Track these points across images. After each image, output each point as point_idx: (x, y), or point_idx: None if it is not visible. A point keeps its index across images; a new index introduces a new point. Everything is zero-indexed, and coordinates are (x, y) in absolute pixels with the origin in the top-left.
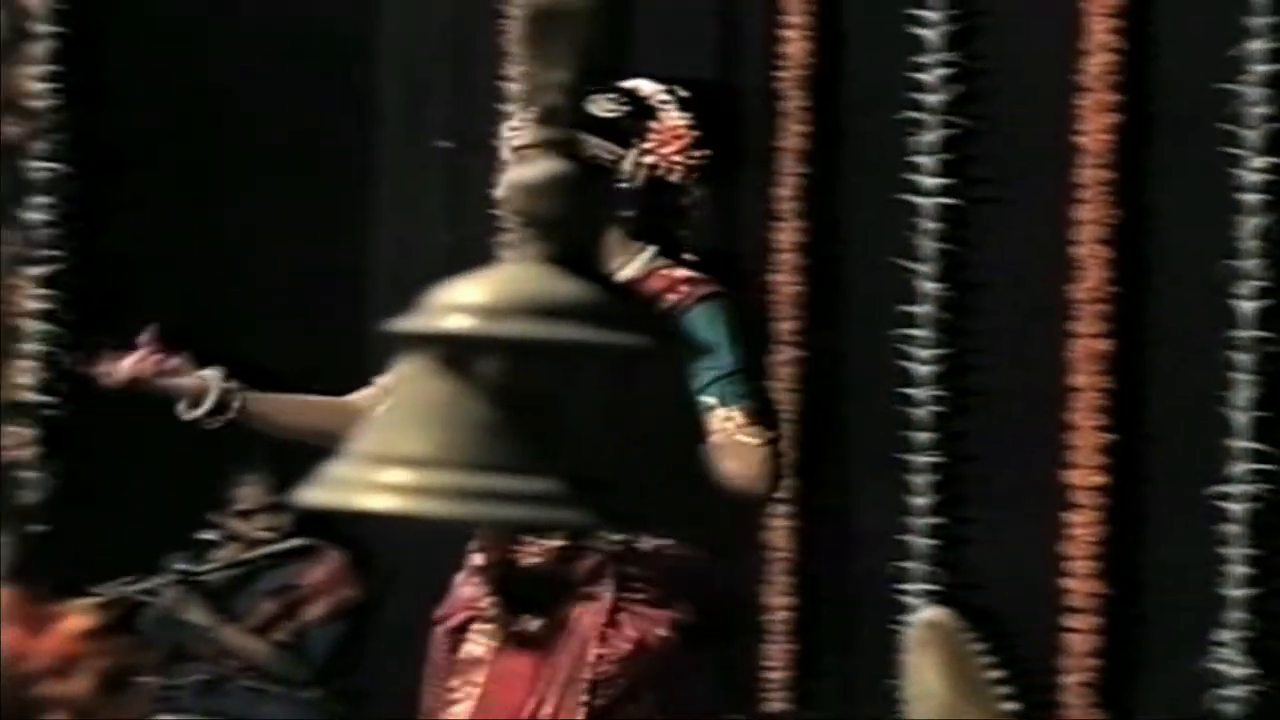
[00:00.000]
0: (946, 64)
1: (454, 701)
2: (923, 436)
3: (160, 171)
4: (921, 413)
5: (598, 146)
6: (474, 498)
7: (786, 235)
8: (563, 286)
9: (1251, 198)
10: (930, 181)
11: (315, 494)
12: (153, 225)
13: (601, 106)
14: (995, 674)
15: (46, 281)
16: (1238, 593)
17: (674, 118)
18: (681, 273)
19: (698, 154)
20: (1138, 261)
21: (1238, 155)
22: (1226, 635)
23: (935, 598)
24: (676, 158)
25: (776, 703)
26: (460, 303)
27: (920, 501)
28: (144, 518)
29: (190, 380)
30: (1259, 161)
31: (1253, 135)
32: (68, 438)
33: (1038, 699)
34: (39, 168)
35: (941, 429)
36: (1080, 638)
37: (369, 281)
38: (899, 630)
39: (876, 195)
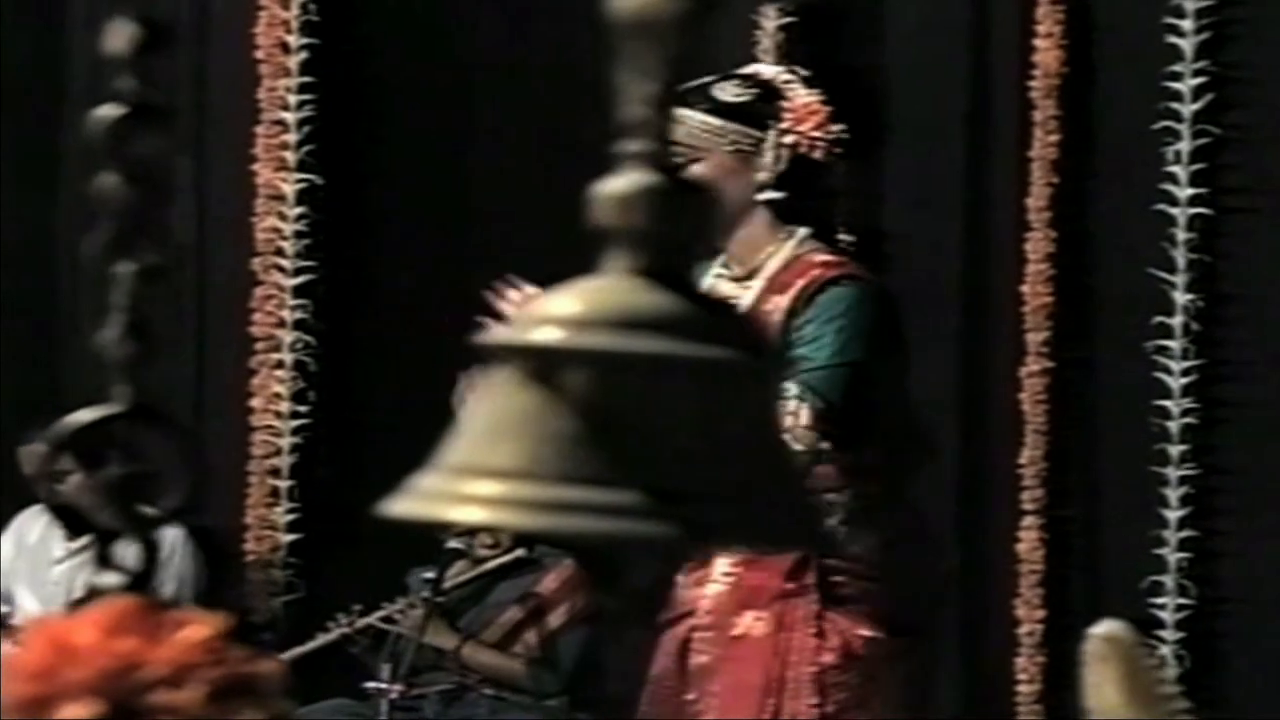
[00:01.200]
0: (1201, 72)
1: (697, 713)
2: (1175, 449)
3: (413, 181)
4: (1174, 425)
5: (736, 133)
6: (560, 510)
7: (1037, 245)
8: (653, 299)
9: None
10: (1184, 191)
11: (402, 505)
12: (405, 236)
13: (730, 92)
14: (1175, 688)
15: (299, 291)
16: None
17: (803, 95)
18: (820, 256)
19: (835, 129)
20: None
21: None
22: None
23: (1187, 611)
24: (816, 134)
25: (1027, 715)
26: (550, 315)
27: (1173, 514)
28: (402, 528)
29: None
30: None
31: None
32: (325, 446)
33: None
34: (292, 179)
35: (1194, 441)
36: None
37: None
38: (1151, 645)
39: (1129, 205)
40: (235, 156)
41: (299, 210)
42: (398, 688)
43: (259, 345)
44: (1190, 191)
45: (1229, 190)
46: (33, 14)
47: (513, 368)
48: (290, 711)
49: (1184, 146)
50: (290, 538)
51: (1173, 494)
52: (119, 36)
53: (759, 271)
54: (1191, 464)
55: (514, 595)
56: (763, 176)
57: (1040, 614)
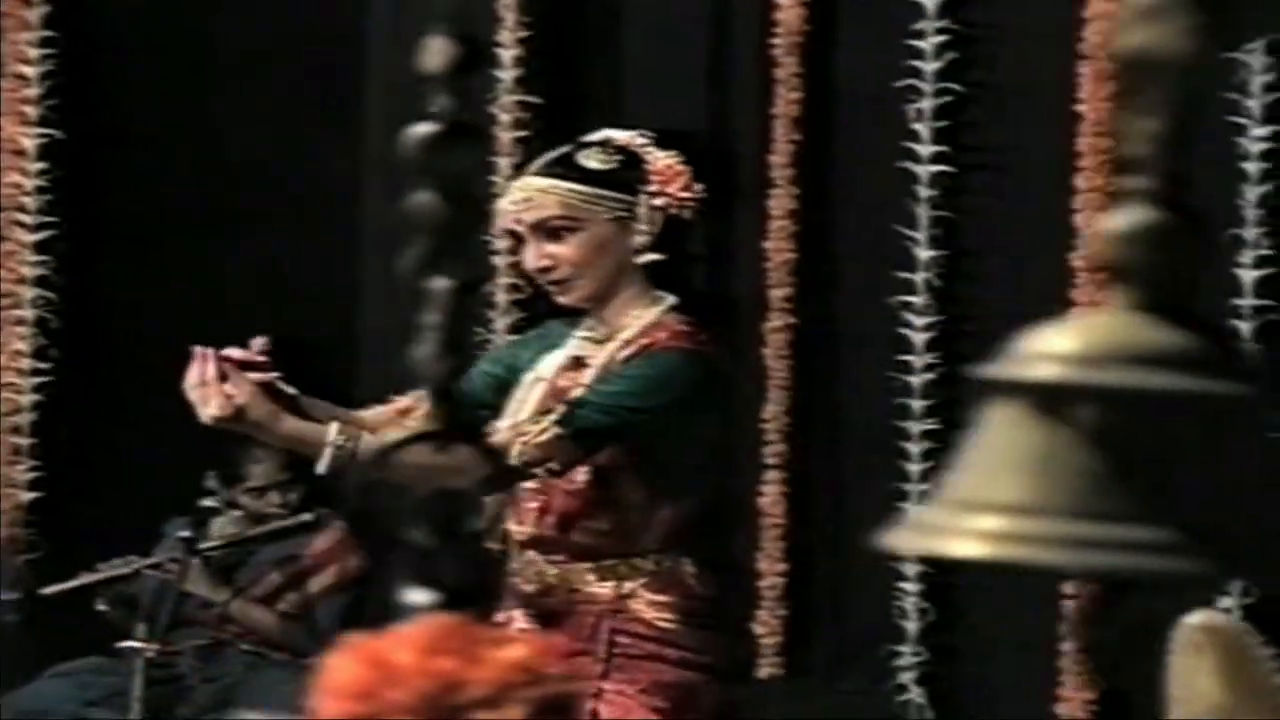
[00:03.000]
0: (943, 30)
1: None
2: (917, 404)
3: (156, 136)
4: (916, 380)
5: (612, 200)
6: (1077, 545)
7: (780, 202)
8: (1156, 335)
9: (1254, 166)
10: (926, 148)
11: (905, 539)
12: (147, 193)
13: (596, 159)
14: None
15: (39, 247)
16: None
17: (662, 157)
18: (677, 325)
19: (697, 188)
20: None
21: (1241, 125)
22: None
23: (926, 566)
24: (684, 194)
25: (767, 669)
26: (1050, 351)
27: (914, 468)
28: (144, 486)
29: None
30: (1261, 130)
31: (1255, 104)
32: (67, 403)
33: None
34: (34, 134)
35: (936, 396)
36: None
37: (358, 265)
38: (892, 599)
39: (872, 162)
40: None
41: (40, 165)
42: (154, 646)
43: (0, 302)
44: (932, 149)
45: (970, 148)
46: None
47: (1012, 403)
48: None
49: (926, 104)
50: (31, 496)
51: (914, 448)
52: (435, 54)
53: (619, 333)
54: (932, 419)
55: (281, 555)
56: (640, 240)
57: (781, 568)
